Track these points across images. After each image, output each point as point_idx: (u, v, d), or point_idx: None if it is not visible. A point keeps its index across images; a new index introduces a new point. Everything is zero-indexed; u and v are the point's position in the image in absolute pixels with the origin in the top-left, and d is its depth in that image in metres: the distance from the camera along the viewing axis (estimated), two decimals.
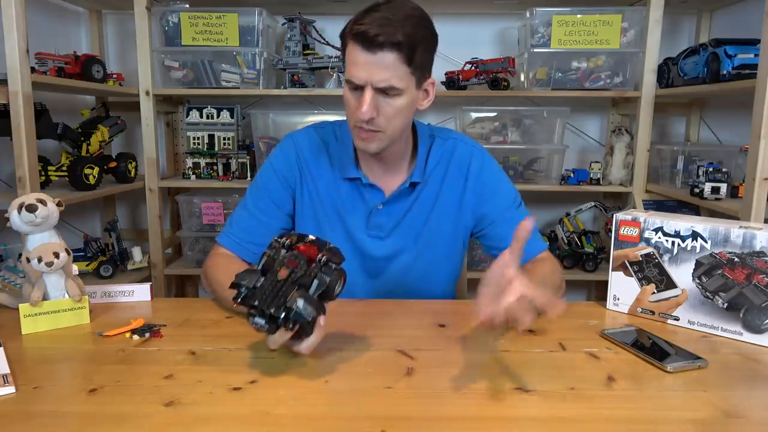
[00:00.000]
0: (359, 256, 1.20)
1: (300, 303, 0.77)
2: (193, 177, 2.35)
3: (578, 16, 2.14)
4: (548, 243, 2.43)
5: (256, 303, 0.78)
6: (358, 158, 1.18)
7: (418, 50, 0.99)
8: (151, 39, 2.17)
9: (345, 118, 1.18)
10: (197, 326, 1.01)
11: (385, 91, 1.00)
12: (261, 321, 0.78)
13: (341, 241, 1.18)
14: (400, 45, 0.97)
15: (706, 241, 0.97)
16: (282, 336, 0.80)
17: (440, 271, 1.26)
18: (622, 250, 1.08)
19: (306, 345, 0.82)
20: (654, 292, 1.05)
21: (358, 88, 1.02)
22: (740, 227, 0.95)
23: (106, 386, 0.78)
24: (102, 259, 2.21)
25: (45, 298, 0.98)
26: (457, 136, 1.24)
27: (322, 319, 0.81)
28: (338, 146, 1.19)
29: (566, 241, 2.38)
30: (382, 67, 0.98)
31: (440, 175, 1.19)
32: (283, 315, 0.77)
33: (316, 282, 0.80)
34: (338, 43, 1.09)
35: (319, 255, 0.82)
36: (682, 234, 1.00)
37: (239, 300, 0.80)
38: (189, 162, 2.36)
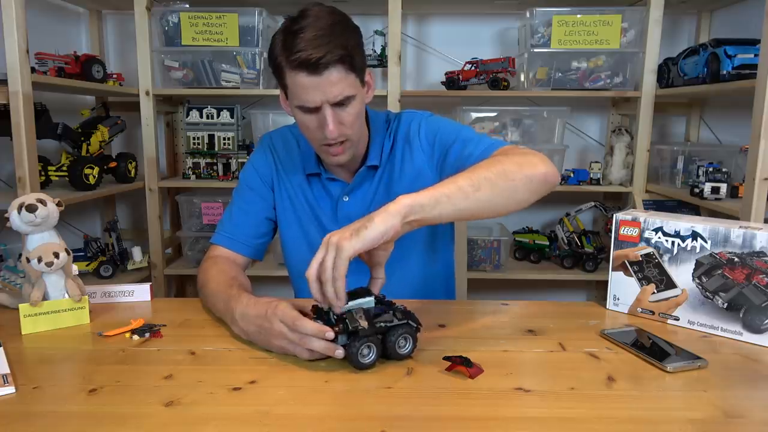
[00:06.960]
0: None
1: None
2: (193, 177, 2.35)
3: (578, 16, 2.14)
4: (548, 242, 2.43)
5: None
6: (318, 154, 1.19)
7: (356, 54, 1.00)
8: (151, 39, 2.18)
9: None
10: (197, 326, 1.02)
11: (341, 103, 1.01)
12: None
13: (317, 236, 1.19)
14: (342, 58, 0.97)
15: (706, 241, 0.97)
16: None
17: (427, 253, 1.24)
18: (622, 250, 1.08)
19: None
20: (654, 292, 1.04)
21: (313, 110, 1.02)
22: (740, 227, 0.95)
23: (106, 386, 0.78)
24: (102, 259, 2.21)
25: (45, 298, 0.98)
26: (406, 112, 1.23)
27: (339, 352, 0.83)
28: (306, 144, 1.20)
29: (566, 241, 2.38)
30: (331, 84, 0.99)
31: (399, 154, 1.19)
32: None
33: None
34: None
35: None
36: (682, 234, 1.00)
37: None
38: (189, 162, 2.36)
